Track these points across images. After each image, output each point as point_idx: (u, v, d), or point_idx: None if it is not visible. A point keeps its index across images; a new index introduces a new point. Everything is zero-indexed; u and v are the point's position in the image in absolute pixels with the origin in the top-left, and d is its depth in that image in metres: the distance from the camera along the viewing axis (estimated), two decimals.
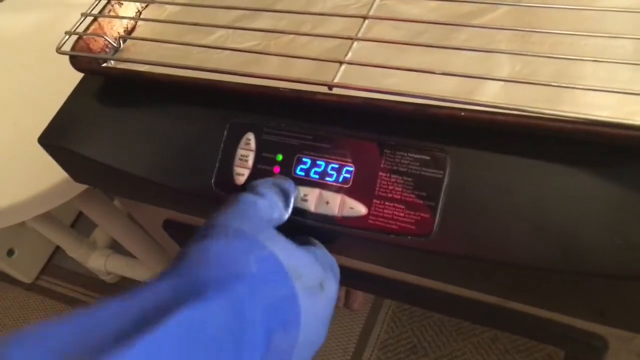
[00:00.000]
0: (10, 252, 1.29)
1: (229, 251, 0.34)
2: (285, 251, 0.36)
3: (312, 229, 0.41)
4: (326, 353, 1.13)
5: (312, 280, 0.36)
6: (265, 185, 0.40)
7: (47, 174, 0.79)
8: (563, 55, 0.37)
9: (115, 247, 1.21)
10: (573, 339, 0.40)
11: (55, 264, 1.40)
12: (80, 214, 1.42)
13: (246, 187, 0.41)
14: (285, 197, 0.40)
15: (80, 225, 1.41)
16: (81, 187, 0.83)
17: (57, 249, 1.40)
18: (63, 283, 1.37)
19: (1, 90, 0.89)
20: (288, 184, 0.41)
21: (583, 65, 0.38)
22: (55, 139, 0.49)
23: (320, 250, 0.40)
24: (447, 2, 0.44)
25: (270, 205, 0.39)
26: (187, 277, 0.32)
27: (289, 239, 0.38)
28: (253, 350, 0.31)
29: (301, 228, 0.42)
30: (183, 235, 0.58)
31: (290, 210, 0.40)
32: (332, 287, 0.38)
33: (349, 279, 0.52)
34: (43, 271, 1.39)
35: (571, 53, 0.37)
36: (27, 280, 1.36)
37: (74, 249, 1.17)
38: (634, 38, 0.38)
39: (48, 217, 1.05)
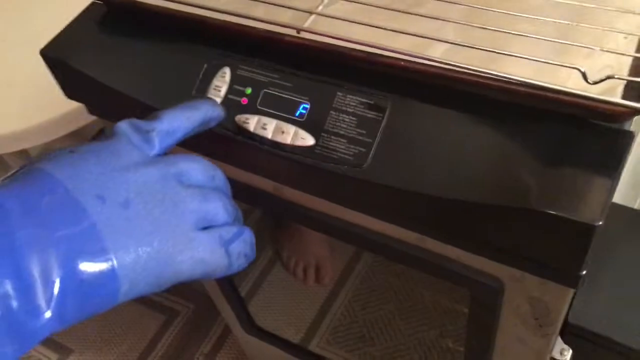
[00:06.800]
0: None
1: None
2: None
3: (267, 154, 0.48)
4: (280, 331, 1.17)
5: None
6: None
7: (44, 109, 0.88)
8: (499, 28, 0.43)
9: None
10: (473, 279, 0.46)
11: None
12: None
13: None
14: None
15: None
16: (74, 125, 0.90)
17: None
18: None
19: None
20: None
21: (512, 44, 0.44)
22: (56, 52, 0.55)
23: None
24: None
25: None
26: None
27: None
28: None
29: (256, 153, 0.48)
30: None
31: None
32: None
33: (297, 215, 0.59)
34: None
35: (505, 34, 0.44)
36: None
37: None
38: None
39: None
